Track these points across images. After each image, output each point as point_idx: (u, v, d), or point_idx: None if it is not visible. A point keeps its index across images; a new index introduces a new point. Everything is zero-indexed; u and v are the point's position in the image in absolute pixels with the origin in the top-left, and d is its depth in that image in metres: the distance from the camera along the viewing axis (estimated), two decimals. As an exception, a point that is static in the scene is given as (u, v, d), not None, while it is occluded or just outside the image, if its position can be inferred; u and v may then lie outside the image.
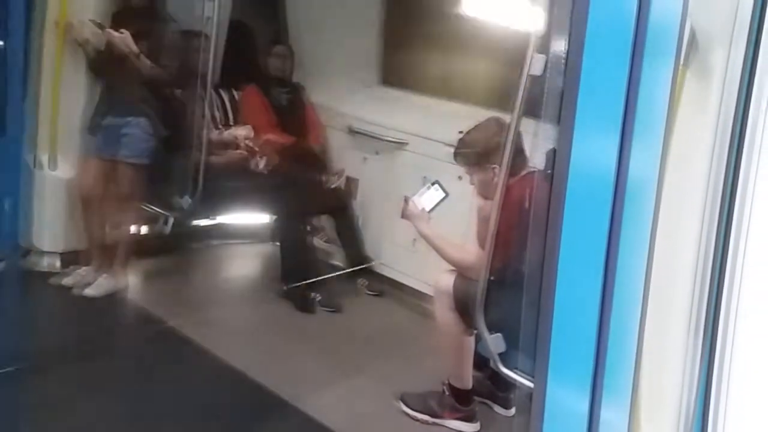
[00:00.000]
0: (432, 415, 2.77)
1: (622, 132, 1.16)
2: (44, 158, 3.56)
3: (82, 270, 3.54)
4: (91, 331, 3.14)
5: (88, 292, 3.45)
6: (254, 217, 4.28)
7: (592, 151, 1.19)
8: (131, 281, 3.62)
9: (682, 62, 1.26)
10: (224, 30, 3.93)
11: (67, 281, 3.50)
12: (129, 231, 3.65)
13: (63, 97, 3.53)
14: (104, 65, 3.44)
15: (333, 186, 3.97)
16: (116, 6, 3.48)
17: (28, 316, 2.74)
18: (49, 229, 3.59)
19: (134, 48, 3.32)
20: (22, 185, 3.16)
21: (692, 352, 1.29)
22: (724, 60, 1.29)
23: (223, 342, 3.13)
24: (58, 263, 3.63)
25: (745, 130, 1.26)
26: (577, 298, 1.22)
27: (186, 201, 3.55)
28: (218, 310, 3.54)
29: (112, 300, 3.46)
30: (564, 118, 1.17)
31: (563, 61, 1.21)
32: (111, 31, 3.33)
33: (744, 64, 1.26)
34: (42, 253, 3.61)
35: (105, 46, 3.36)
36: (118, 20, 3.42)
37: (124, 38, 3.30)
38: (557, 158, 1.18)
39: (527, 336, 1.31)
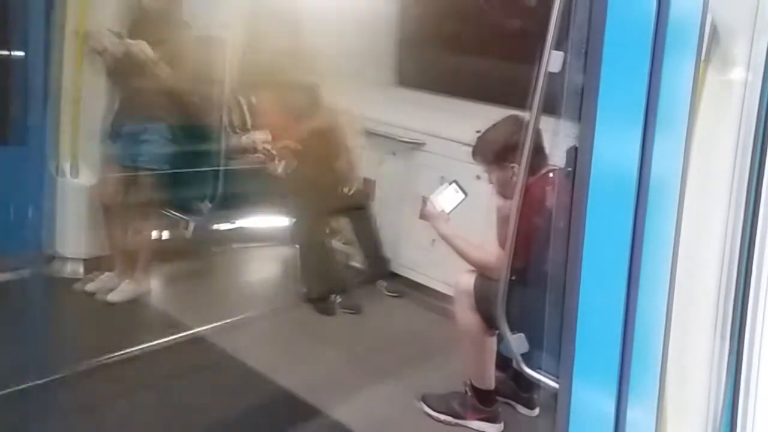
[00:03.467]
0: (455, 416, 2.76)
1: (644, 128, 1.14)
2: (66, 166, 3.61)
3: (105, 276, 3.59)
4: (115, 337, 3.17)
5: (111, 297, 3.48)
6: (273, 220, 4.30)
7: (614, 147, 1.18)
8: (153, 286, 3.66)
9: (703, 56, 1.25)
10: (241, 35, 3.95)
11: (90, 287, 3.55)
12: (150, 236, 3.69)
13: (83, 106, 3.58)
14: (123, 73, 3.48)
15: (351, 192, 3.98)
16: (134, 14, 3.52)
17: (53, 323, 2.78)
18: (72, 235, 3.64)
19: (152, 55, 3.35)
20: (44, 193, 3.21)
21: (719, 352, 1.27)
22: (746, 54, 1.27)
23: (245, 345, 3.15)
24: (81, 269, 3.68)
25: (768, 125, 1.24)
26: (601, 297, 1.20)
27: (206, 205, 3.58)
28: (239, 313, 3.56)
29: (135, 305, 3.50)
30: (585, 115, 1.16)
31: (583, 57, 1.20)
32: (129, 39, 3.36)
33: (766, 57, 1.24)
34: (65, 259, 3.66)
35: (123, 54, 3.39)
36: (135, 28, 3.45)
37: (142, 46, 3.34)
38: (579, 156, 1.17)
39: (551, 336, 1.30)
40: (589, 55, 1.16)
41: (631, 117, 1.16)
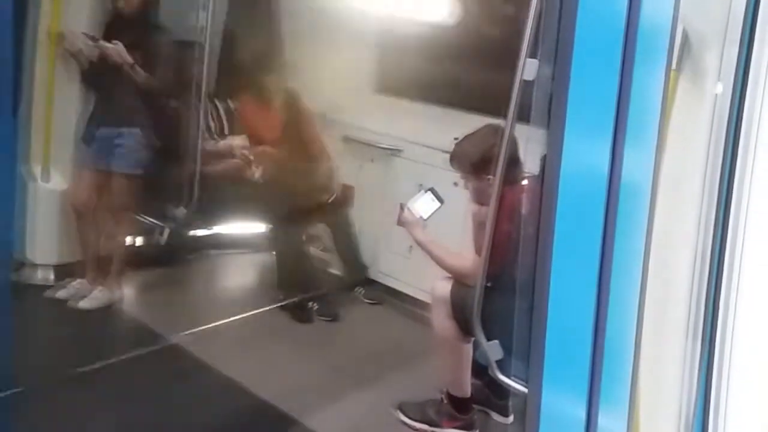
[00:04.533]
0: (430, 424, 2.74)
1: (614, 136, 1.14)
2: (37, 170, 3.54)
3: (77, 282, 3.52)
4: (87, 346, 3.11)
5: (83, 304, 3.42)
6: (250, 227, 4.26)
7: (584, 155, 1.18)
8: (126, 293, 3.60)
9: (675, 64, 1.26)
10: (218, 39, 3.93)
11: (61, 294, 3.48)
12: (124, 242, 3.63)
13: (56, 109, 3.51)
14: (98, 76, 3.43)
15: (329, 199, 3.96)
16: (109, 16, 3.47)
17: (23, 331, 2.72)
18: (43, 241, 3.56)
19: (128, 58, 3.31)
20: (14, 198, 3.15)
21: (691, 356, 1.28)
22: (718, 62, 1.28)
23: (220, 353, 3.11)
24: (52, 276, 3.60)
25: (739, 132, 1.25)
26: (571, 302, 1.21)
27: (181, 211, 3.54)
28: (214, 320, 3.51)
29: (108, 312, 3.44)
30: (554, 122, 1.16)
31: (553, 65, 1.20)
32: (104, 42, 3.32)
33: (737, 65, 1.25)
34: (36, 266, 3.59)
35: (98, 57, 3.35)
36: (111, 31, 3.41)
37: (117, 49, 3.30)
38: (548, 163, 1.17)
39: (523, 343, 1.30)
40: (558, 62, 1.17)
41: (600, 124, 1.17)
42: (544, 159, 1.41)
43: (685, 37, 1.29)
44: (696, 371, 1.26)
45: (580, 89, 1.15)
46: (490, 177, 2.35)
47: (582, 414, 1.18)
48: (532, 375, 1.21)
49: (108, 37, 3.35)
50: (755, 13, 1.22)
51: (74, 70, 3.49)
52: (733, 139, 1.26)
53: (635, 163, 1.17)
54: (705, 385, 1.24)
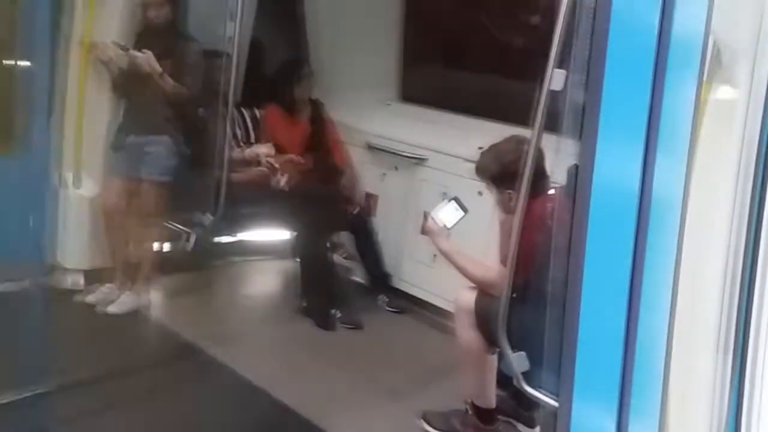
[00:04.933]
0: (454, 434, 2.73)
1: (645, 148, 1.14)
2: (69, 176, 3.61)
3: (106, 287, 3.58)
4: (114, 349, 3.16)
5: (111, 309, 3.47)
6: (275, 234, 4.29)
7: (615, 167, 1.18)
8: (154, 298, 3.65)
9: (706, 77, 1.25)
10: (245, 49, 3.98)
11: (90, 299, 3.54)
12: (152, 248, 3.68)
13: (87, 116, 3.59)
14: (127, 84, 3.50)
15: (353, 207, 3.98)
16: (139, 26, 3.54)
17: (53, 334, 2.77)
18: (74, 246, 3.63)
19: (157, 67, 3.37)
20: (46, 203, 3.21)
21: (722, 370, 1.26)
22: (749, 74, 1.27)
23: (244, 359, 3.13)
24: (81, 281, 3.67)
25: (771, 144, 1.24)
26: (601, 316, 1.20)
27: (208, 218, 3.57)
28: (239, 327, 3.55)
29: (135, 317, 3.49)
30: (586, 133, 1.16)
31: (584, 76, 1.20)
32: (134, 51, 3.39)
33: (768, 78, 1.24)
34: (66, 270, 3.65)
35: (128, 66, 3.42)
36: (140, 40, 3.48)
37: (146, 58, 3.36)
38: (580, 174, 1.17)
39: (551, 355, 1.29)
40: (590, 74, 1.17)
41: (632, 136, 1.16)
42: (571, 169, 1.41)
43: (717, 50, 1.28)
44: (727, 385, 1.25)
45: (613, 101, 1.15)
46: (511, 192, 2.35)
47: (612, 427, 1.17)
48: (562, 388, 1.20)
49: (138, 47, 3.42)
50: (786, 24, 1.22)
51: (105, 78, 3.56)
52: (765, 151, 1.24)
53: (667, 175, 1.16)
54: (737, 398, 1.23)
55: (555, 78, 1.66)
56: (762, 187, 1.25)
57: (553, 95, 1.68)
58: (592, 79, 1.17)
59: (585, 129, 1.17)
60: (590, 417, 1.20)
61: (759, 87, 1.26)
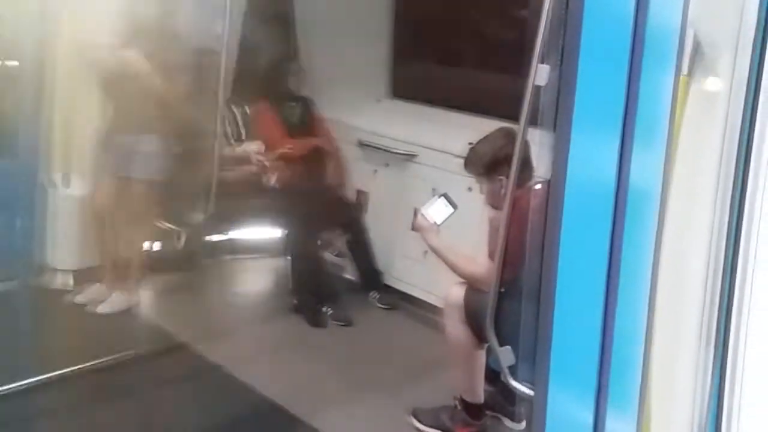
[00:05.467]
0: (444, 430, 2.74)
1: (621, 140, 1.14)
2: (57, 176, 3.60)
3: (95, 287, 3.56)
4: (104, 348, 3.14)
5: (101, 309, 3.46)
6: (266, 232, 4.29)
7: (591, 160, 1.18)
8: (144, 297, 3.63)
9: (686, 70, 1.25)
10: (235, 46, 3.97)
11: (80, 299, 3.52)
12: (142, 247, 3.67)
13: (76, 116, 3.57)
14: (117, 84, 3.48)
15: (343, 205, 3.98)
16: (128, 24, 3.52)
17: (42, 334, 2.76)
18: (63, 247, 3.61)
19: (146, 67, 3.36)
20: (35, 204, 3.20)
21: (704, 361, 1.27)
22: (730, 67, 1.27)
23: (235, 357, 3.13)
24: (71, 281, 3.65)
25: (752, 138, 1.24)
26: (578, 307, 1.20)
27: (198, 217, 3.57)
28: (230, 325, 3.54)
29: (125, 317, 3.48)
30: (560, 126, 1.16)
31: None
32: (123, 50, 3.37)
33: (750, 70, 1.24)
34: (55, 271, 3.64)
35: (117, 65, 3.40)
36: (130, 38, 3.46)
37: (136, 57, 3.34)
38: (554, 167, 1.17)
39: (531, 347, 1.29)
40: (564, 66, 1.17)
41: (608, 127, 1.16)
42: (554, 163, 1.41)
43: (697, 43, 1.28)
44: (709, 377, 1.25)
45: (587, 94, 1.15)
46: (503, 178, 2.36)
47: (590, 418, 1.17)
48: (538, 379, 1.20)
49: (127, 45, 3.40)
50: (768, 17, 1.21)
51: (94, 77, 3.54)
52: (746, 144, 1.25)
53: (644, 169, 1.16)
54: (718, 391, 1.23)
55: (539, 73, 1.66)
56: (743, 181, 1.25)
57: (539, 90, 1.68)
58: (566, 72, 1.17)
59: (559, 122, 1.17)
60: (566, 407, 1.21)
61: (740, 79, 1.26)
